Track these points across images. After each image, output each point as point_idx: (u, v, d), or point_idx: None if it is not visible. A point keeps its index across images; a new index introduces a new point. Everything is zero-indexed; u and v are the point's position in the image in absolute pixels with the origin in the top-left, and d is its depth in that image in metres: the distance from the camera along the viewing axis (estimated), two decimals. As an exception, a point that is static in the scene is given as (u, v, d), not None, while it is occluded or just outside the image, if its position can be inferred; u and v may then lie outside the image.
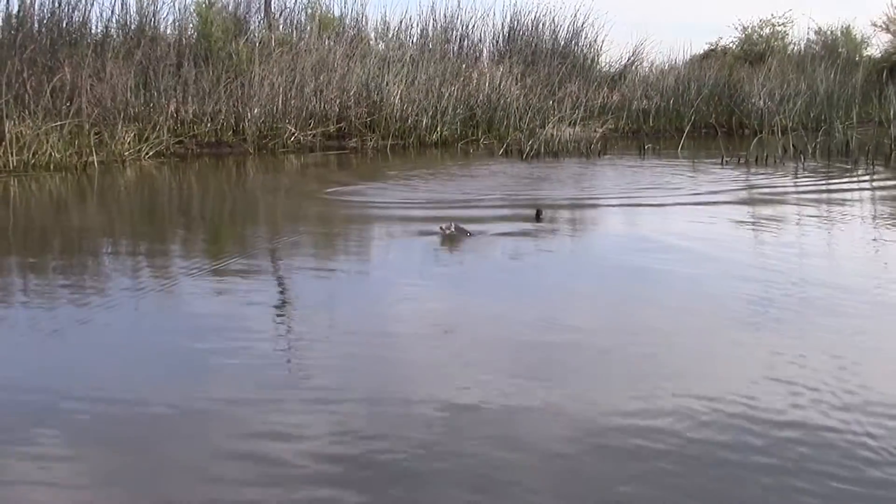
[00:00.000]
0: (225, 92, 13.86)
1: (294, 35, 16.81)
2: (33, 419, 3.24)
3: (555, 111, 16.21)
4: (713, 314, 4.61)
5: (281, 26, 17.14)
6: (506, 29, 19.33)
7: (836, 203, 8.86)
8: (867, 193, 9.72)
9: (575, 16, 19.87)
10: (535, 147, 13.76)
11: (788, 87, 18.54)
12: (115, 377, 3.70)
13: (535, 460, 2.88)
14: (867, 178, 10.71)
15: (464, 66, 17.31)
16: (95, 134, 12.23)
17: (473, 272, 5.76)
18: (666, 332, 4.27)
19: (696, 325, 4.47)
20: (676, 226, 7.58)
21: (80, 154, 11.73)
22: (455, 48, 18.63)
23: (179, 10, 15.65)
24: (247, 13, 16.81)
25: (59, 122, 11.74)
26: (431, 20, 18.59)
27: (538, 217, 7.43)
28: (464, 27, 18.90)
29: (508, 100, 16.31)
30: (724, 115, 18.35)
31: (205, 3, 15.77)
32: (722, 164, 12.12)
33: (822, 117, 17.61)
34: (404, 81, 15.38)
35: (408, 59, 16.16)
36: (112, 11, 14.97)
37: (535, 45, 19.17)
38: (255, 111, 14.06)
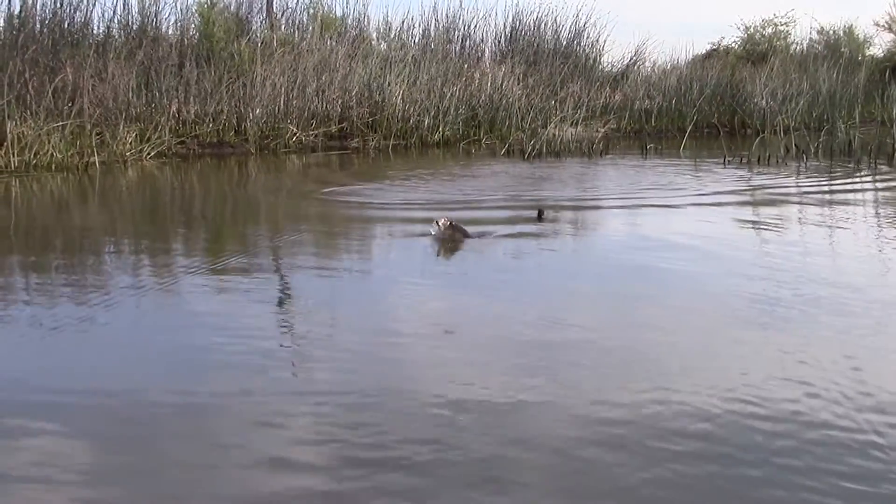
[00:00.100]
0: (227, 92, 13.86)
1: (296, 35, 16.82)
2: (35, 417, 3.23)
3: (557, 111, 16.19)
4: (719, 314, 4.59)
5: (283, 26, 17.16)
6: (508, 29, 19.35)
7: (839, 203, 8.84)
8: (870, 193, 9.71)
9: (577, 16, 19.90)
10: (537, 147, 13.75)
11: (791, 86, 18.52)
12: (116, 374, 3.69)
13: (541, 458, 2.87)
14: (870, 177, 10.69)
15: (466, 66, 17.31)
16: (97, 134, 12.22)
17: (475, 272, 5.74)
18: (671, 331, 4.25)
19: (702, 324, 4.45)
20: (679, 226, 7.57)
21: (81, 154, 11.72)
22: (457, 48, 18.63)
23: (181, 10, 15.69)
24: (249, 13, 16.84)
25: (60, 123, 11.74)
26: (433, 20, 18.62)
27: (540, 217, 7.41)
28: (466, 27, 18.92)
29: (510, 100, 16.30)
30: (726, 114, 18.33)
31: (207, 3, 15.78)
32: (724, 163, 12.11)
33: (825, 117, 17.58)
34: (406, 81, 15.37)
35: (410, 59, 16.16)
36: (114, 12, 14.99)
37: (537, 45, 19.17)
38: (257, 111, 14.06)
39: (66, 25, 14.15)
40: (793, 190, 9.85)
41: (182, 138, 13.47)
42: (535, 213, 7.53)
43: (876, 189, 9.94)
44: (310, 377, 3.69)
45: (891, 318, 4.46)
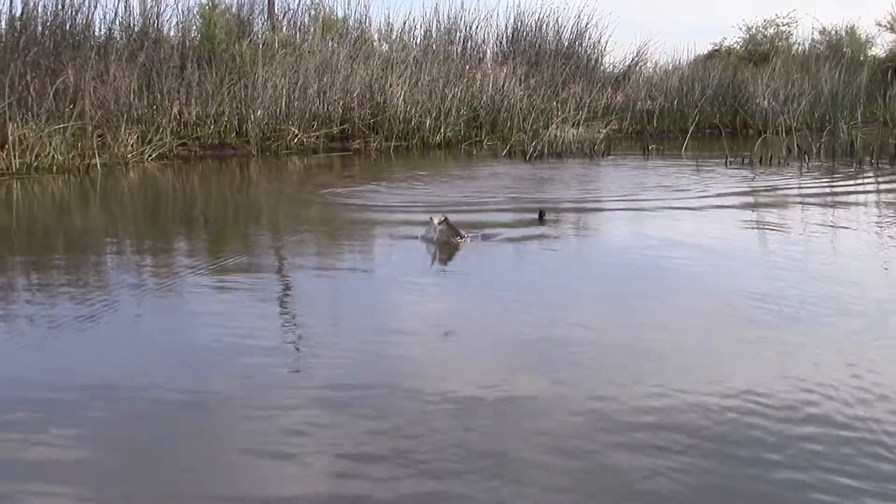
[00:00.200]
0: (228, 94, 13.86)
1: (297, 37, 16.83)
2: (36, 417, 3.23)
3: (558, 112, 16.19)
4: (723, 314, 4.57)
5: (284, 28, 17.16)
6: (509, 30, 19.35)
7: (842, 203, 8.82)
8: (873, 193, 9.69)
9: (578, 17, 19.90)
10: (539, 148, 13.74)
11: (793, 87, 18.51)
12: (117, 374, 3.69)
13: (545, 456, 2.86)
14: (872, 178, 10.68)
15: (467, 67, 17.32)
16: (98, 136, 12.23)
17: (476, 273, 5.72)
18: (675, 332, 4.24)
19: (706, 324, 4.43)
20: (681, 227, 7.55)
21: (82, 156, 11.72)
22: (458, 49, 18.63)
23: (183, 12, 15.75)
24: (250, 15, 16.84)
25: (61, 125, 11.74)
26: (435, 21, 18.63)
27: (541, 219, 7.38)
28: (467, 28, 18.91)
29: (512, 101, 16.30)
30: (728, 115, 18.32)
31: (208, 4, 15.79)
32: (726, 164, 12.09)
33: (827, 117, 17.58)
34: (408, 83, 15.37)
35: (411, 60, 16.15)
36: (115, 14, 14.99)
37: (539, 46, 19.16)
38: (259, 113, 14.07)
39: (67, 27, 14.16)
40: (795, 191, 9.84)
41: (183, 140, 13.48)
42: (536, 215, 7.51)
43: (878, 190, 9.93)
44: (311, 377, 3.68)
45: None
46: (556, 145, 14.15)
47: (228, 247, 7.08)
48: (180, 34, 15.40)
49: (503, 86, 16.50)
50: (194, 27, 15.59)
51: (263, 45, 15.42)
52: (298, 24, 17.45)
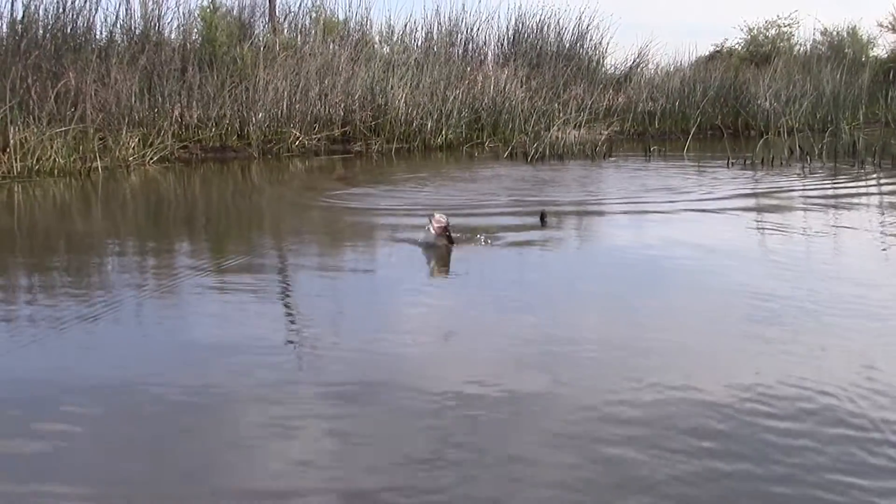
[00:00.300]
0: (229, 96, 13.87)
1: (298, 39, 16.82)
2: (38, 416, 3.23)
3: (560, 114, 16.18)
4: (727, 314, 4.55)
5: (285, 30, 17.16)
6: (510, 31, 19.35)
7: (845, 205, 8.80)
8: (875, 194, 9.67)
9: (580, 18, 19.87)
10: (541, 150, 13.73)
11: (794, 88, 18.49)
12: (118, 374, 3.69)
13: (550, 455, 2.85)
14: (875, 179, 10.66)
15: (468, 68, 17.31)
16: (100, 139, 12.23)
17: (477, 275, 5.71)
18: (679, 332, 4.22)
19: (710, 324, 4.41)
20: (684, 228, 7.54)
21: (84, 159, 11.72)
22: (460, 51, 18.61)
23: (184, 14, 15.71)
24: (251, 18, 16.84)
25: (63, 128, 11.74)
26: (436, 23, 18.61)
27: (543, 221, 7.34)
28: (468, 30, 18.90)
29: (513, 102, 16.29)
30: (729, 116, 18.30)
31: (209, 7, 15.79)
32: (728, 165, 12.08)
33: (829, 118, 17.56)
34: (409, 85, 15.37)
35: (412, 62, 16.16)
36: (116, 17, 14.99)
37: (540, 48, 19.15)
38: (260, 115, 14.07)
39: (68, 30, 14.17)
40: (797, 192, 9.82)
41: (185, 143, 13.47)
42: (537, 217, 7.48)
43: (881, 191, 9.91)
44: (312, 378, 3.66)
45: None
46: (558, 147, 14.13)
47: (229, 249, 7.07)
48: (181, 37, 15.41)
49: (504, 88, 16.50)
50: (195, 30, 15.60)
51: (264, 47, 15.42)
52: (299, 26, 17.46)
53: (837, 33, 23.46)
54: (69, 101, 12.45)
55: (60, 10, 14.03)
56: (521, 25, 19.35)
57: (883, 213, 8.29)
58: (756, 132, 17.33)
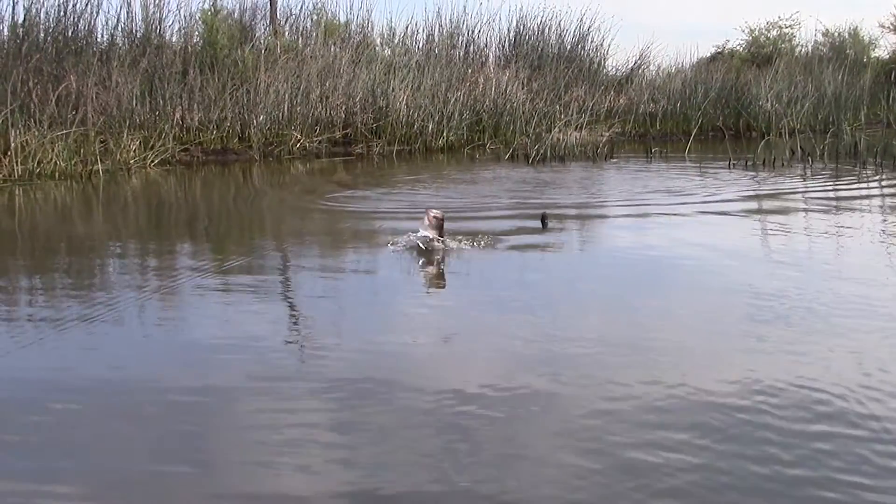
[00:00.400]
0: (230, 99, 13.87)
1: (300, 41, 16.83)
2: (39, 416, 3.23)
3: (561, 115, 16.16)
4: (730, 315, 4.55)
5: (287, 33, 17.16)
6: (512, 33, 19.34)
7: (847, 206, 8.79)
8: (877, 196, 9.66)
9: (581, 20, 19.88)
10: (542, 151, 13.72)
11: (796, 89, 18.47)
12: (119, 374, 3.69)
13: (554, 453, 2.84)
14: (876, 180, 10.64)
15: (470, 70, 17.30)
16: (101, 142, 12.23)
17: (478, 276, 5.70)
18: (682, 332, 4.21)
19: (713, 325, 4.41)
20: (686, 229, 7.53)
21: (85, 163, 11.72)
22: (461, 53, 18.60)
23: (185, 17, 15.70)
24: (252, 20, 16.86)
25: (64, 131, 11.74)
26: (437, 25, 18.60)
27: (544, 224, 7.31)
28: (470, 32, 18.89)
29: (514, 104, 16.28)
30: (731, 117, 18.27)
31: (210, 10, 15.81)
32: (729, 167, 12.07)
33: (830, 119, 17.53)
34: (410, 87, 15.36)
35: (413, 64, 16.15)
36: (118, 20, 14.99)
37: (542, 50, 19.15)
38: (261, 118, 14.07)
39: (69, 34, 14.16)
40: (799, 193, 9.81)
41: (186, 146, 13.47)
42: (538, 219, 7.45)
43: (883, 193, 9.89)
44: (313, 378, 3.66)
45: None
46: (559, 149, 14.12)
47: (230, 250, 7.06)
48: (183, 40, 15.41)
49: (506, 89, 16.49)
50: (196, 33, 15.61)
51: (266, 50, 15.42)
52: (301, 28, 17.47)
53: (839, 34, 23.48)
54: (70, 104, 12.45)
55: (61, 13, 14.04)
56: (522, 27, 19.36)
57: (885, 214, 8.28)
58: (757, 133, 17.30)
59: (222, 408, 3.41)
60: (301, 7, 17.52)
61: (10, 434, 3.16)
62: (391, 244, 6.32)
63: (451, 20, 18.77)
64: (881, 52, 23.46)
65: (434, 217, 6.08)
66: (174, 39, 15.44)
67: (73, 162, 11.55)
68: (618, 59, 25.07)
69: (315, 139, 14.46)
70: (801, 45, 23.63)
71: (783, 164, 12.25)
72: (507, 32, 19.37)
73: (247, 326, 4.48)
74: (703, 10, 42.60)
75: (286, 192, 10.82)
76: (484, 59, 18.96)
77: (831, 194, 9.59)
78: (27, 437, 3.14)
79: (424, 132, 15.21)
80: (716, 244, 6.63)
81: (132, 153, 12.40)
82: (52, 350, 4.19)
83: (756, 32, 24.36)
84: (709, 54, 24.21)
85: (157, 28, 15.14)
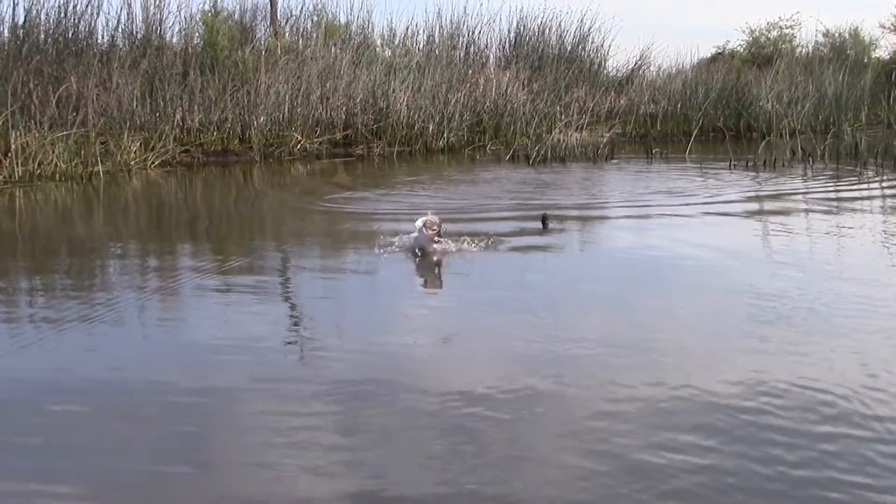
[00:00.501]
0: (231, 100, 13.86)
1: (300, 43, 16.82)
2: (40, 416, 3.23)
3: (562, 116, 16.15)
4: (732, 315, 4.53)
5: (287, 34, 17.16)
6: (512, 34, 19.34)
7: (848, 207, 8.77)
8: (878, 196, 9.64)
9: (581, 21, 19.87)
10: (542, 152, 13.71)
11: (796, 89, 18.46)
12: (120, 374, 3.68)
13: (556, 453, 2.83)
14: (877, 180, 10.63)
15: (470, 71, 17.30)
16: (101, 143, 12.23)
17: (479, 278, 5.69)
18: (684, 333, 4.20)
19: (715, 325, 4.40)
20: (687, 230, 7.51)
21: (85, 164, 11.72)
22: (461, 54, 18.60)
23: (185, 19, 15.70)
24: (253, 21, 16.85)
25: (64, 132, 11.74)
26: (438, 26, 18.60)
27: (544, 225, 7.29)
28: (470, 33, 18.89)
29: (515, 105, 16.27)
30: (731, 118, 18.26)
31: (211, 11, 15.80)
32: (730, 167, 12.05)
33: (831, 120, 17.52)
34: (410, 88, 15.36)
35: (414, 65, 16.15)
36: (118, 21, 14.99)
37: (542, 51, 19.15)
38: (262, 119, 14.06)
39: (70, 35, 14.17)
40: (800, 193, 9.80)
41: (186, 147, 13.47)
42: (539, 220, 7.43)
43: (884, 193, 9.88)
44: (313, 379, 3.65)
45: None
46: (560, 149, 14.11)
47: (231, 251, 7.05)
48: (183, 41, 15.42)
49: (506, 90, 16.48)
50: (197, 34, 15.61)
51: (266, 51, 15.41)
52: (301, 29, 17.47)
53: (839, 34, 23.46)
54: (71, 105, 12.45)
55: (62, 14, 14.05)
56: (522, 28, 19.36)
57: (886, 215, 8.26)
58: (758, 134, 17.28)
59: (222, 409, 3.40)
60: (301, 8, 17.58)
61: (10, 434, 3.16)
62: (379, 247, 6.29)
63: (451, 21, 18.80)
64: (882, 53, 23.47)
65: (430, 222, 6.03)
66: (174, 41, 15.45)
67: (73, 163, 11.55)
68: (618, 60, 25.03)
69: (315, 140, 14.45)
70: (802, 46, 23.66)
71: (784, 165, 12.24)
72: (507, 33, 19.40)
73: (247, 327, 4.48)
74: (704, 11, 42.62)
75: (286, 194, 10.81)
76: (484, 60, 18.97)
77: (832, 195, 9.58)
78: (27, 437, 3.13)
79: (425, 133, 15.20)
80: (717, 245, 6.62)
81: (133, 154, 12.40)
82: (52, 351, 4.19)
83: (756, 33, 24.36)
84: (709, 55, 24.22)
85: (157, 29, 15.14)
